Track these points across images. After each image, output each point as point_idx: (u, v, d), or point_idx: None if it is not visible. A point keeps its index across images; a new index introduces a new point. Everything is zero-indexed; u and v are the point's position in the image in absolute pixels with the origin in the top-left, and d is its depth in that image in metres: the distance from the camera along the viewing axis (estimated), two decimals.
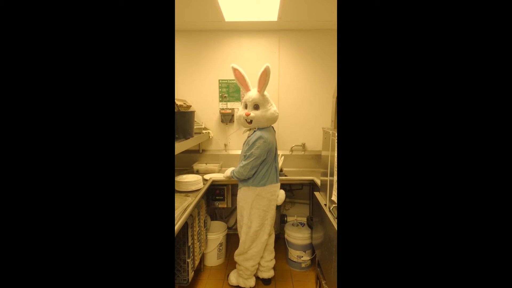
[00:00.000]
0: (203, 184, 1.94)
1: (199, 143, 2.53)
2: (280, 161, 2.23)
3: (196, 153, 2.56)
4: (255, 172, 1.67)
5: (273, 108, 1.71)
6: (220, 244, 2.14)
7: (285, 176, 2.24)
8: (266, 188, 1.70)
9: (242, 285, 1.84)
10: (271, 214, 1.75)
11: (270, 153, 1.70)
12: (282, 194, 1.81)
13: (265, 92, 1.70)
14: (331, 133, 1.41)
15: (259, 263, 1.85)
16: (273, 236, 1.88)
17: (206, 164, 2.46)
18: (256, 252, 1.77)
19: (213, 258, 2.14)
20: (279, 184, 1.79)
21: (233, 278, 1.88)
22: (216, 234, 2.10)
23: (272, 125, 1.78)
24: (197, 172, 2.32)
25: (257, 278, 1.90)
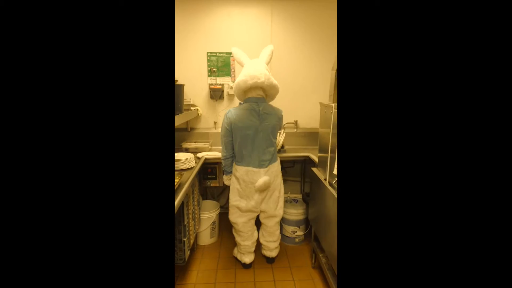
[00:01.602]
0: (195, 162, 1.85)
1: (187, 121, 2.40)
2: (282, 138, 2.18)
3: (184, 131, 2.44)
4: (232, 152, 1.68)
5: (239, 77, 1.57)
6: (213, 223, 2.10)
7: (285, 152, 2.20)
8: (241, 168, 1.65)
9: (238, 258, 1.85)
10: (251, 198, 1.67)
11: (238, 132, 1.59)
12: (260, 180, 1.62)
13: (241, 57, 1.63)
14: (333, 106, 1.37)
15: (260, 242, 1.86)
16: (273, 219, 1.79)
17: (195, 142, 2.37)
18: (239, 229, 1.76)
19: (206, 237, 2.11)
20: (260, 171, 1.63)
21: (235, 249, 1.90)
22: (209, 213, 2.06)
23: (253, 102, 1.60)
24: (187, 151, 2.22)
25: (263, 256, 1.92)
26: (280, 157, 2.14)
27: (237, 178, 1.68)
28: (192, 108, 2.33)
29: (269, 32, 2.31)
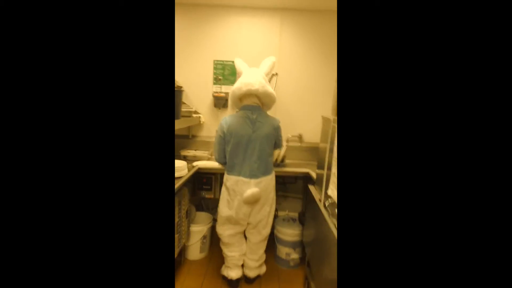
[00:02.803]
0: (188, 171, 1.77)
1: (189, 128, 2.35)
2: (282, 151, 2.07)
3: (185, 139, 2.38)
4: (225, 157, 1.61)
5: (235, 85, 1.56)
6: (204, 237, 1.98)
7: (284, 167, 2.06)
8: (231, 178, 1.56)
9: (225, 274, 1.73)
10: (239, 210, 1.56)
11: (231, 140, 1.53)
12: (249, 191, 1.52)
13: (241, 66, 1.63)
14: (332, 119, 1.25)
15: (243, 259, 1.72)
16: (257, 236, 1.68)
17: (195, 150, 2.30)
18: (225, 241, 1.67)
19: (195, 252, 1.99)
20: (251, 181, 1.53)
21: (223, 266, 1.78)
22: (199, 226, 1.95)
23: (248, 110, 1.56)
24: (185, 159, 2.15)
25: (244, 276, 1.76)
26: (279, 171, 2.02)
27: (227, 188, 1.60)
28: (194, 115, 2.28)
29: (277, 42, 2.25)
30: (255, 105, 1.57)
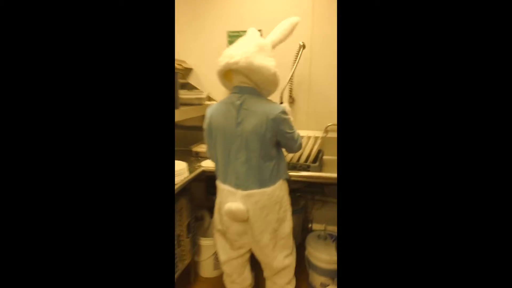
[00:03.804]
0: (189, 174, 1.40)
1: (203, 117, 1.96)
2: (308, 147, 1.56)
3: (199, 131, 2.01)
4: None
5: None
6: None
7: (309, 169, 1.44)
8: (218, 185, 1.19)
9: None
10: (227, 228, 1.16)
11: (213, 134, 1.15)
12: (227, 206, 1.10)
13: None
14: None
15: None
16: (271, 270, 1.23)
17: None
18: (224, 268, 1.29)
19: (208, 268, 1.66)
20: (237, 193, 1.09)
21: None
22: (211, 240, 1.59)
23: (235, 93, 1.10)
24: (196, 156, 1.79)
25: None
26: (301, 177, 1.44)
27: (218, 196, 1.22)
28: (207, 102, 1.88)
29: (310, 10, 1.69)
30: (245, 86, 1.09)
